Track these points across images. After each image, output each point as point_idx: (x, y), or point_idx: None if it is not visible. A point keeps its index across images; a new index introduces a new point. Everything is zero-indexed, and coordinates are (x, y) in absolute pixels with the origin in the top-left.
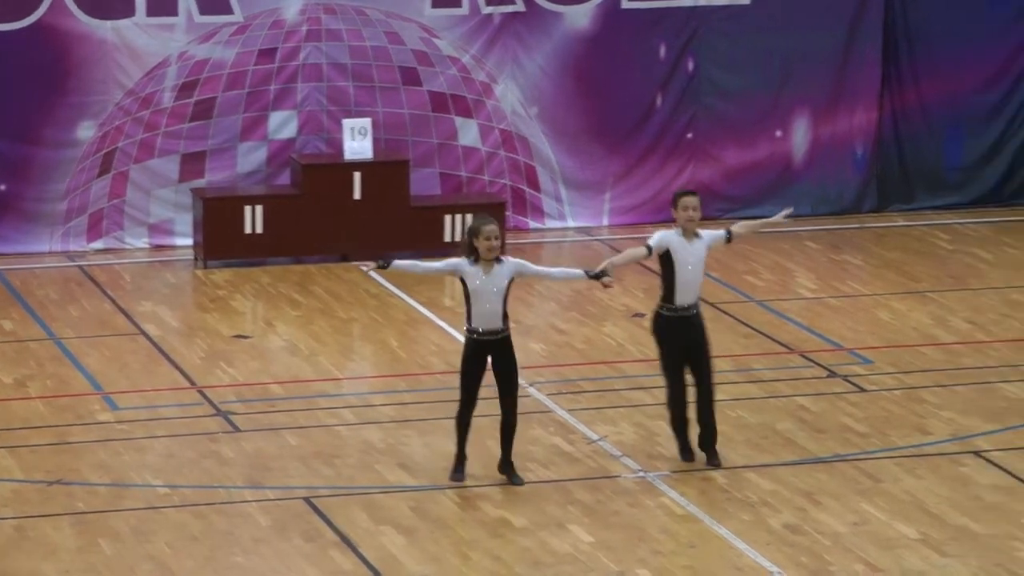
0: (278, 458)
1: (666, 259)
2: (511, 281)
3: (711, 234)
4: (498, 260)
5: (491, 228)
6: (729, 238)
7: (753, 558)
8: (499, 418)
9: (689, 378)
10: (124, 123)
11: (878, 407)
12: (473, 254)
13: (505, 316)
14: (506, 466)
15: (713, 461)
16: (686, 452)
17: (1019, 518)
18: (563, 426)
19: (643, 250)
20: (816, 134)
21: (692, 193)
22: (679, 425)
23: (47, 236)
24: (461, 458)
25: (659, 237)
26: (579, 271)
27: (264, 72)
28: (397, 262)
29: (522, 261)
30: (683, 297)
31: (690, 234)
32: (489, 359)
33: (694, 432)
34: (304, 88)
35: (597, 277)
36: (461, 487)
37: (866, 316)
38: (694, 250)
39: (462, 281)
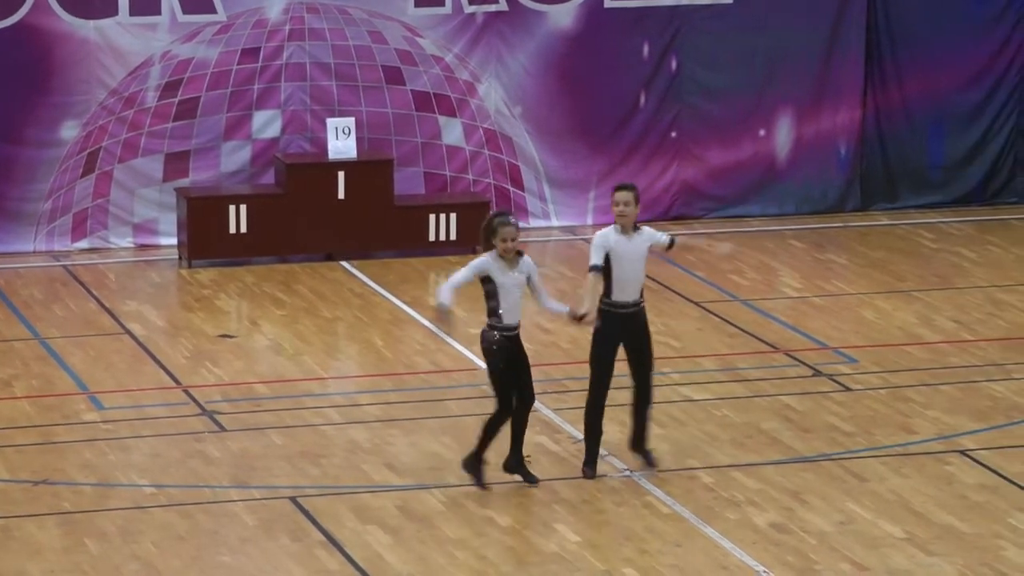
0: (264, 458)
1: (606, 257)
2: (528, 278)
3: (654, 235)
4: (519, 253)
5: (508, 230)
6: (671, 245)
7: (739, 557)
8: (487, 417)
9: (627, 380)
10: (108, 123)
11: (863, 406)
12: (492, 249)
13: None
14: (517, 464)
15: (650, 460)
16: (591, 465)
17: (1004, 517)
18: (548, 425)
19: (595, 275)
20: (799, 133)
21: (627, 188)
22: (592, 432)
23: (31, 236)
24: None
25: (597, 244)
26: (565, 308)
27: (247, 71)
28: (444, 300)
29: (535, 269)
30: (620, 293)
31: (628, 230)
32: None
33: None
34: (288, 87)
35: (580, 319)
36: (446, 487)
37: (851, 315)
38: (632, 247)
39: (488, 279)
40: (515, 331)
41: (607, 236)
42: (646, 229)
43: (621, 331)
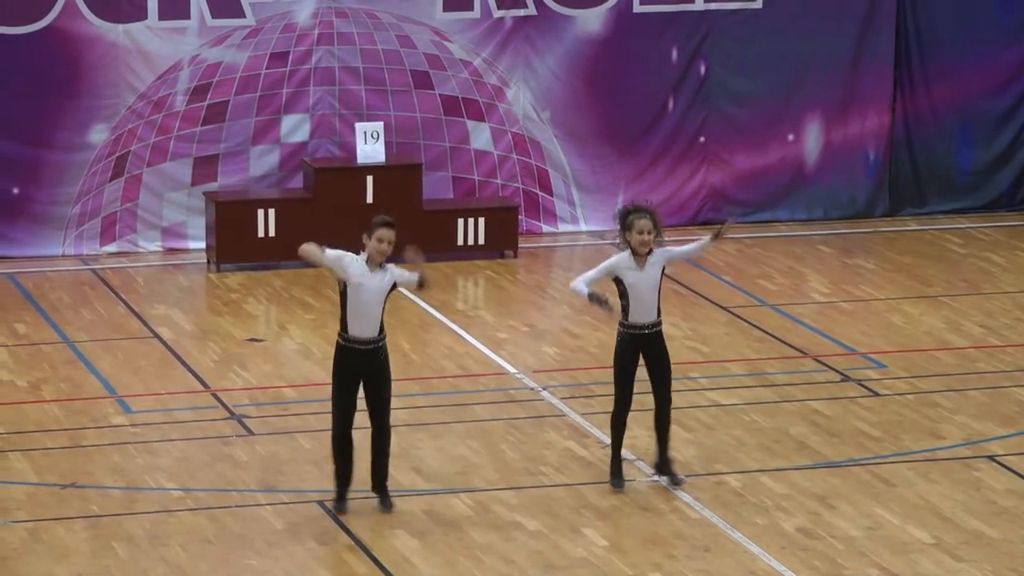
0: (292, 462)
1: (618, 281)
2: (663, 271)
3: (663, 254)
4: (649, 252)
5: (644, 222)
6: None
7: (767, 562)
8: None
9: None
10: (136, 126)
11: (891, 411)
12: (628, 246)
13: (658, 310)
14: (664, 463)
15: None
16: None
17: None
18: (576, 430)
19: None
20: (828, 138)
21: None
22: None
23: (60, 239)
24: (617, 460)
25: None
26: (704, 240)
27: (276, 76)
28: (581, 288)
29: (667, 248)
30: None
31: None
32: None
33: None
34: (316, 92)
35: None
36: (473, 491)
37: (879, 320)
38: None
39: (618, 280)
40: (644, 329)
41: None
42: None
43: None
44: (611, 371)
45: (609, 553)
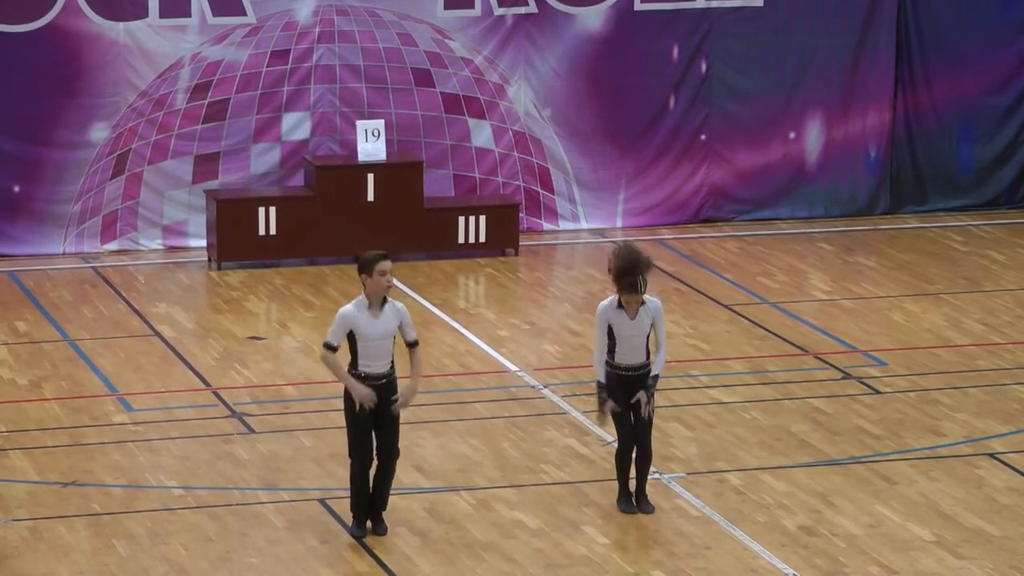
0: (293, 460)
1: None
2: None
3: (657, 310)
4: (642, 303)
5: (635, 281)
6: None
7: (768, 560)
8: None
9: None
10: (137, 125)
11: (892, 409)
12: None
13: (647, 353)
14: (638, 495)
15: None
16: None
17: None
18: (577, 428)
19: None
20: (829, 136)
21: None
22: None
23: (61, 238)
24: (624, 489)
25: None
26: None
27: (277, 74)
28: (600, 379)
29: (661, 310)
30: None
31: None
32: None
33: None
34: (317, 89)
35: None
36: (474, 489)
37: (880, 318)
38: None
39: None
40: (630, 371)
41: (608, 312)
42: (651, 303)
43: (626, 392)
44: None
45: (610, 551)
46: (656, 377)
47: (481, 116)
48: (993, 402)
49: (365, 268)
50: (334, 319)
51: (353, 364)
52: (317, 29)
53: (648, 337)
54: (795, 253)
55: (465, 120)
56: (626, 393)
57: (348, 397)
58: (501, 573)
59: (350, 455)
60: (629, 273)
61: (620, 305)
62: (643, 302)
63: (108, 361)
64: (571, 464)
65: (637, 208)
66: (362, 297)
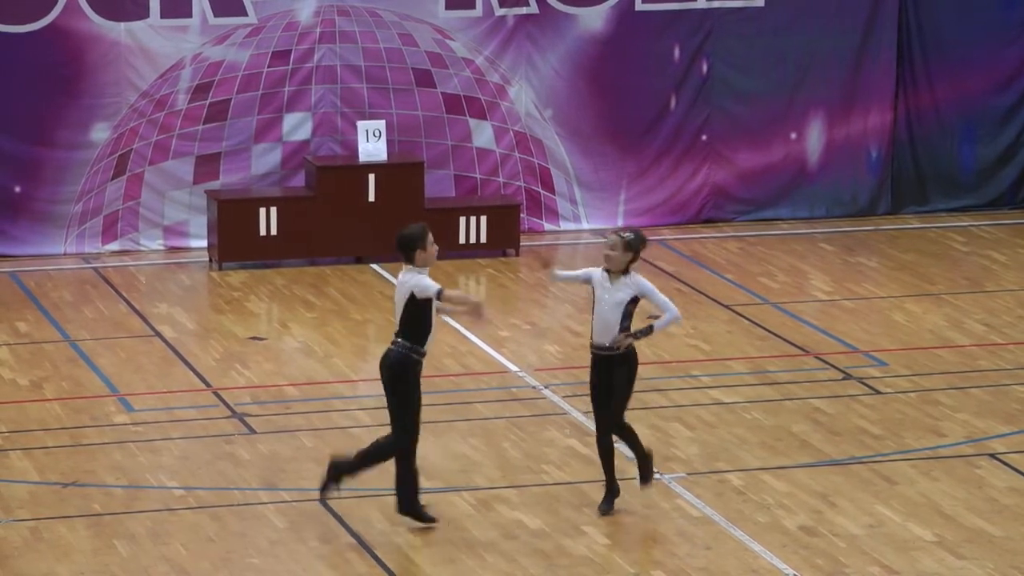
0: (293, 460)
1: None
2: (633, 299)
3: (640, 284)
4: (625, 272)
5: (613, 238)
6: (648, 330)
7: (769, 560)
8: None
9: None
10: (138, 125)
11: (893, 409)
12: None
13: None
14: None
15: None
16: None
17: None
18: (578, 428)
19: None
20: (831, 136)
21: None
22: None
23: (62, 238)
24: (609, 487)
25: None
26: (671, 316)
27: (278, 74)
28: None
29: (648, 284)
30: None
31: (614, 275)
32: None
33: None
34: (318, 90)
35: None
36: (475, 489)
37: (881, 318)
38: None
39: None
40: (600, 351)
41: (595, 271)
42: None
43: (595, 373)
44: None
45: (611, 551)
46: (650, 328)
47: (482, 116)
48: (994, 402)
49: (419, 242)
50: (425, 279)
51: (422, 343)
52: (318, 29)
53: (624, 319)
54: (796, 253)
55: (466, 120)
56: (599, 375)
57: (411, 374)
58: (502, 573)
59: (405, 436)
60: (623, 229)
61: (604, 272)
62: (626, 272)
63: (109, 361)
64: (572, 464)
65: (638, 208)
66: (421, 270)
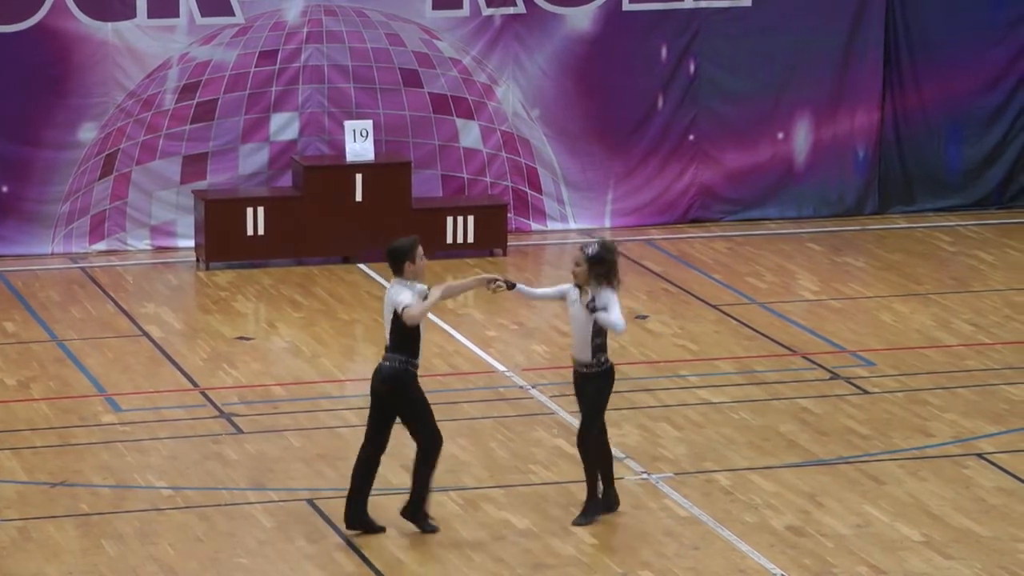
0: (281, 460)
1: (563, 300)
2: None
3: (605, 302)
4: (600, 285)
5: (578, 254)
6: (591, 305)
7: (756, 560)
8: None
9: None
10: (125, 125)
11: (880, 409)
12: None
13: (597, 349)
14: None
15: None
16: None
17: (1022, 520)
18: (566, 428)
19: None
20: (817, 136)
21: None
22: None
23: (49, 238)
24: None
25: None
26: (611, 323)
27: (265, 74)
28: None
29: (612, 298)
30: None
31: (584, 290)
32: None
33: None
34: (305, 90)
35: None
36: (463, 489)
37: (868, 318)
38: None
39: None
40: (576, 367)
41: (567, 286)
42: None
43: (575, 386)
44: None
45: (599, 551)
46: (595, 307)
47: (469, 116)
48: (981, 402)
49: (408, 255)
50: (404, 294)
51: (415, 355)
52: (305, 29)
53: (592, 335)
54: (783, 253)
55: (453, 120)
56: (576, 389)
57: (411, 386)
58: (489, 573)
59: (435, 436)
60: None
61: (575, 288)
62: (600, 285)
63: (96, 361)
64: (559, 464)
65: (625, 208)
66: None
